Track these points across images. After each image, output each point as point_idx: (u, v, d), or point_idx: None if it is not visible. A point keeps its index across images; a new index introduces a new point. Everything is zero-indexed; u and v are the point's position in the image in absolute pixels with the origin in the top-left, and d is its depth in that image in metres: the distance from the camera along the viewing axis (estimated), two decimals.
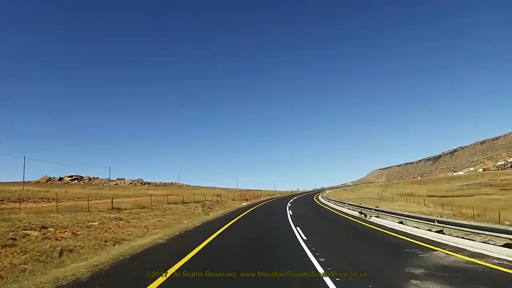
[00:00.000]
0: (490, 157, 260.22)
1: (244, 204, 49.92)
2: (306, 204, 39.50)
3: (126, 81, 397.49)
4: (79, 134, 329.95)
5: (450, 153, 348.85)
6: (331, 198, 44.96)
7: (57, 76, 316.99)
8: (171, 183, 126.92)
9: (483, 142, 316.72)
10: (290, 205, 37.20)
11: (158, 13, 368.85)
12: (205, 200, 46.83)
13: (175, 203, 39.88)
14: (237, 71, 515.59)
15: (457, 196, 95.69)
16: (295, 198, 58.69)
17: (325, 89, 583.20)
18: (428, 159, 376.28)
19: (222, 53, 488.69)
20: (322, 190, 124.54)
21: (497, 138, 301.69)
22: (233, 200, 57.18)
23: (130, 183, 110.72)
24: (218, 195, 61.05)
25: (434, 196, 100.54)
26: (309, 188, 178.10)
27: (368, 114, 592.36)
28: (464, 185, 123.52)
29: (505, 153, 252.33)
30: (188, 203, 42.21)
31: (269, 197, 70.03)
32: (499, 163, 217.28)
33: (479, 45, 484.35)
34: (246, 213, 27.22)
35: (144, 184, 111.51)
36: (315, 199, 52.66)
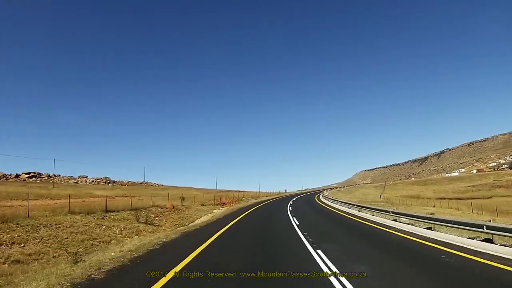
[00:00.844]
0: (479, 158, 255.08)
1: (215, 212, 32.62)
2: (324, 217, 22.30)
3: (110, 80, 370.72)
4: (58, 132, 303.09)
5: (436, 154, 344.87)
6: (356, 203, 28.39)
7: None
8: (141, 183, 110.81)
9: (470, 144, 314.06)
10: (296, 220, 19.64)
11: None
12: (152, 206, 28.97)
13: (89, 213, 22.06)
14: (223, 69, 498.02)
15: (474, 198, 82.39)
16: (291, 202, 41.45)
17: (311, 90, 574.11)
18: (415, 161, 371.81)
19: (212, 50, 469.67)
20: (313, 191, 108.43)
21: (484, 140, 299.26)
22: (202, 205, 39.50)
23: (92, 181, 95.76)
24: (183, 198, 43.50)
25: (445, 198, 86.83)
26: (294, 189, 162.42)
27: (353, 116, 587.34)
28: (469, 186, 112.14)
29: (494, 155, 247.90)
30: (119, 211, 24.40)
31: (254, 201, 52.70)
32: (491, 165, 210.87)
33: (467, 49, 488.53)
34: (199, 255, 9.92)
35: (109, 183, 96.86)
36: (324, 205, 35.79)
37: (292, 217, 21.98)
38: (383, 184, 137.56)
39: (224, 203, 46.86)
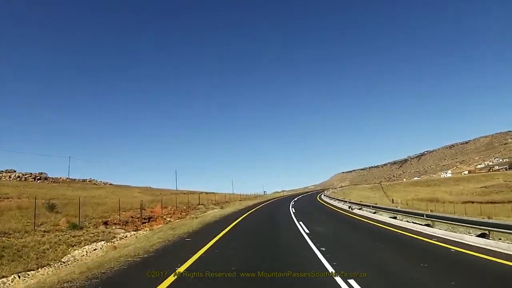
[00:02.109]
0: (463, 161, 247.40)
1: None
2: None
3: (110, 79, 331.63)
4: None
5: (417, 157, 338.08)
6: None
7: None
8: (85, 180, 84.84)
9: (451, 146, 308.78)
10: None
11: None
12: None
13: None
14: (220, 69, 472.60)
15: (510, 201, 64.14)
16: (310, 230, 18.10)
17: (289, 92, 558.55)
18: (394, 163, 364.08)
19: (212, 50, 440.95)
20: (294, 194, 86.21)
21: (466, 143, 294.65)
22: (74, 226, 15.34)
23: (19, 177, 73.76)
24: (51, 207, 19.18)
25: (473, 201, 67.98)
26: (271, 191, 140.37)
27: (331, 118, 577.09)
28: (481, 187, 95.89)
29: (478, 157, 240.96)
30: None
31: (216, 213, 28.77)
32: (479, 166, 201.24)
33: (451, 52, 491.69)
34: None
35: (38, 179, 73.36)
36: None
37: None
38: (377, 185, 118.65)
39: (149, 219, 22.69)
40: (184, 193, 61.99)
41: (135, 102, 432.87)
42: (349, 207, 23.89)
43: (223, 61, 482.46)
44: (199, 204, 32.62)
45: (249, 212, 25.69)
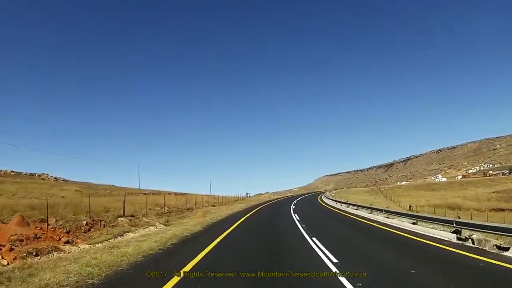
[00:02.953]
0: (451, 165, 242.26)
1: None
2: None
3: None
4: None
5: (403, 161, 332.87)
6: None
7: None
8: (34, 175, 68.34)
9: (438, 151, 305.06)
10: None
11: None
12: None
13: None
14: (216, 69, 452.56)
15: None
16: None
17: (271, 93, 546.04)
18: (380, 167, 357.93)
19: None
20: (283, 198, 72.20)
21: (453, 148, 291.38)
22: None
23: None
24: None
25: (504, 209, 56.03)
26: (253, 193, 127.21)
27: (316, 120, 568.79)
28: (494, 192, 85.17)
29: (466, 162, 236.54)
30: None
31: (148, 232, 13.84)
32: (470, 171, 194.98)
33: (432, 53, 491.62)
34: None
35: None
36: None
37: None
38: (374, 188, 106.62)
39: None
40: (145, 194, 46.77)
41: (135, 101, 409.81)
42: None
43: (224, 61, 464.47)
44: (121, 216, 17.04)
45: (202, 255, 10.71)
